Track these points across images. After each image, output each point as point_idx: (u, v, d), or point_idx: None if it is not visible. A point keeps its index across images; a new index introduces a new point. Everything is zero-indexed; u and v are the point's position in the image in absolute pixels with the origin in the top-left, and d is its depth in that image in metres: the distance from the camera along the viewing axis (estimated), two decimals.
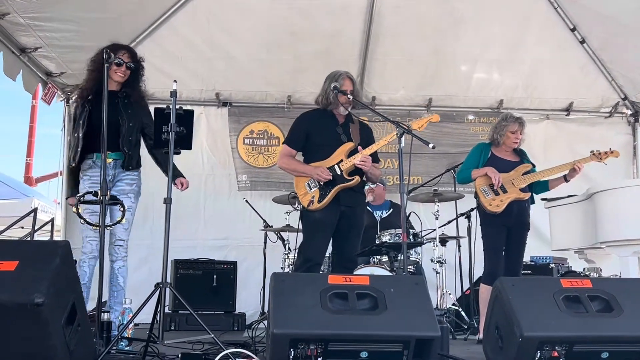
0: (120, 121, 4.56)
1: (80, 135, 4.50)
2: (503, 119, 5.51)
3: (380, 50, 7.65)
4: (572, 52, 7.63)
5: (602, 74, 7.87)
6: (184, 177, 4.78)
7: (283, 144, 4.84)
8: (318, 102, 4.74)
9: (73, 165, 4.55)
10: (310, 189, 4.58)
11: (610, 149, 5.45)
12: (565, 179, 5.39)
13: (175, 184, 4.66)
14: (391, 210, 7.04)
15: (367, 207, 7.08)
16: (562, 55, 7.68)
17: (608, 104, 8.29)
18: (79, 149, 4.51)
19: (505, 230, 5.26)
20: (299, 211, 4.86)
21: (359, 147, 4.60)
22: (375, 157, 4.74)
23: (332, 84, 4.60)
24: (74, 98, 4.81)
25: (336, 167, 4.56)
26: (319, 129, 4.68)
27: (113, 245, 4.57)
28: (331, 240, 4.72)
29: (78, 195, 4.21)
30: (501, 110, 7.98)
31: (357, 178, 4.55)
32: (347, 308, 3.13)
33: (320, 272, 4.86)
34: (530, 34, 7.52)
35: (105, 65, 4.02)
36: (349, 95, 4.51)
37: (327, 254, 5.15)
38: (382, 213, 7.00)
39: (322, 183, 4.54)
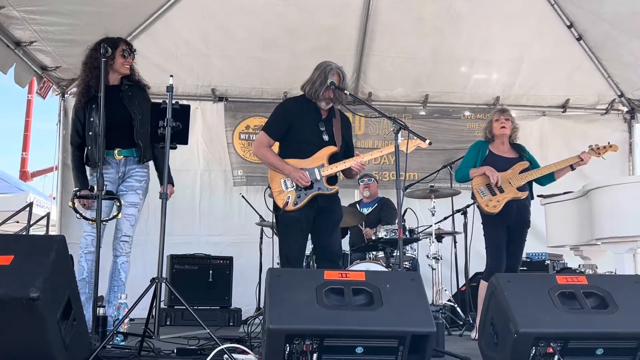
0: (132, 116, 4.53)
1: (102, 134, 4.41)
2: (489, 116, 5.63)
3: (377, 47, 7.65)
4: (568, 49, 7.64)
5: (598, 70, 7.89)
6: (172, 184, 4.70)
7: (262, 130, 4.67)
8: (304, 90, 4.60)
9: (99, 165, 4.36)
10: (287, 188, 4.46)
11: (609, 143, 5.43)
12: (572, 167, 5.36)
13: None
14: (375, 205, 7.05)
15: (357, 205, 7.12)
16: (559, 52, 7.69)
17: (604, 100, 8.32)
18: (101, 149, 4.41)
19: (506, 228, 5.24)
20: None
21: (356, 153, 4.55)
22: (352, 152, 4.70)
23: (329, 80, 4.52)
24: (75, 95, 4.72)
25: (316, 171, 4.44)
26: (301, 121, 4.53)
27: (118, 241, 4.53)
28: (311, 238, 4.68)
29: (74, 189, 4.21)
30: (497, 107, 7.99)
31: (336, 188, 4.48)
32: (343, 304, 3.12)
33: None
34: (527, 30, 7.52)
35: (103, 60, 3.99)
36: (347, 92, 4.45)
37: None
38: (367, 209, 7.01)
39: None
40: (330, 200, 4.53)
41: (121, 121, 4.48)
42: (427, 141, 4.12)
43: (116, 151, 4.50)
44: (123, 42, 4.65)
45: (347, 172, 4.64)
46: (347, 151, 4.66)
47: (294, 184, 4.43)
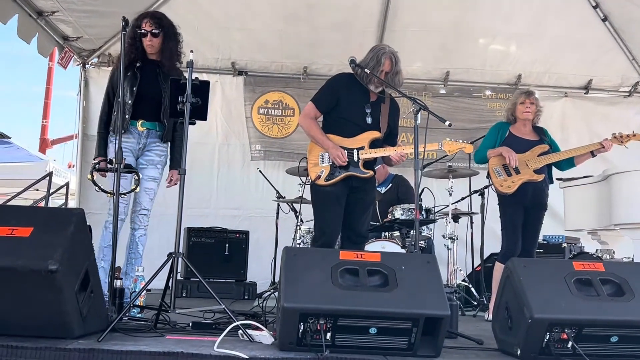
0: (163, 93, 4.52)
1: (130, 102, 4.41)
2: (513, 97, 5.56)
3: (398, 22, 7.56)
4: (593, 30, 7.52)
5: (622, 52, 7.76)
6: (180, 168, 4.69)
7: (311, 101, 4.66)
8: (355, 71, 4.54)
9: (123, 132, 4.33)
10: (323, 162, 4.49)
11: (633, 132, 5.30)
12: (592, 153, 5.27)
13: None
14: (390, 185, 7.03)
15: None
16: (583, 32, 7.56)
17: (628, 83, 8.19)
18: (127, 117, 4.41)
19: (522, 210, 5.20)
20: (308, 185, 4.76)
21: (399, 145, 4.57)
22: (394, 140, 4.72)
23: (350, 57, 4.50)
24: (114, 62, 4.69)
25: (355, 152, 4.45)
26: (349, 99, 4.52)
27: (137, 214, 4.55)
28: None
29: (93, 162, 4.24)
30: (519, 86, 7.92)
31: (371, 173, 4.50)
32: (358, 284, 3.13)
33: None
34: (551, 9, 7.39)
35: (123, 33, 3.99)
36: (366, 70, 4.39)
37: None
38: (381, 189, 7.00)
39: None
40: (364, 182, 4.54)
41: (151, 95, 4.50)
42: (447, 123, 4.08)
43: (139, 122, 4.51)
44: (144, 21, 4.51)
45: (386, 160, 4.65)
46: (389, 138, 4.66)
47: (331, 160, 4.45)
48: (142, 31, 4.46)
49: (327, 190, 4.46)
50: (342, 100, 4.52)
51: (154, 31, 4.49)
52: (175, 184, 4.70)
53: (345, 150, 4.43)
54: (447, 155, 6.89)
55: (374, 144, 4.51)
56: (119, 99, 4.34)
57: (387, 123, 4.61)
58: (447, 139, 4.58)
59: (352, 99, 4.52)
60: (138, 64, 4.44)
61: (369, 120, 4.52)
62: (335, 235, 4.56)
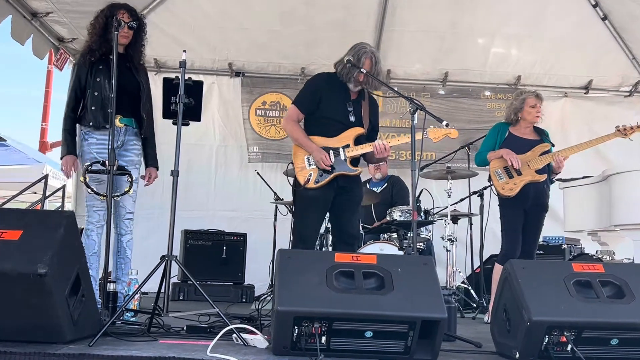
0: (140, 86, 4.44)
1: (113, 95, 4.13)
2: (519, 95, 5.37)
3: (397, 22, 7.53)
4: (593, 29, 7.47)
5: (623, 52, 7.71)
6: (157, 167, 4.63)
7: (292, 104, 4.60)
8: (336, 69, 4.49)
9: (107, 127, 4.17)
10: (309, 165, 4.39)
11: (637, 123, 5.17)
12: None
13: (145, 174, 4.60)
14: (385, 185, 6.98)
15: (366, 184, 7.04)
16: (583, 32, 7.52)
17: (628, 82, 8.14)
18: (110, 111, 4.14)
19: (523, 211, 5.12)
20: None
21: (383, 140, 4.49)
22: (376, 136, 4.65)
23: (346, 57, 4.45)
24: (79, 55, 4.57)
25: (341, 150, 4.39)
26: (330, 98, 4.46)
27: (123, 219, 4.45)
28: (329, 217, 4.63)
29: (86, 164, 4.17)
30: (518, 87, 7.87)
31: (360, 170, 4.45)
32: (353, 287, 3.08)
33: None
34: (550, 8, 7.36)
35: (115, 33, 3.92)
36: (362, 70, 4.34)
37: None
38: (377, 188, 6.95)
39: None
40: (351, 180, 4.47)
41: (129, 89, 4.38)
42: (444, 123, 4.03)
43: (118, 118, 4.35)
44: (121, 11, 4.37)
45: (369, 156, 4.58)
46: (371, 134, 4.61)
47: None
48: (118, 21, 4.29)
49: (312, 194, 4.36)
50: (323, 99, 4.46)
51: (131, 23, 4.38)
52: (153, 182, 4.65)
53: (331, 151, 4.36)
54: (446, 156, 6.92)
55: (358, 141, 4.45)
56: (96, 93, 4.25)
57: (369, 120, 4.56)
58: (432, 126, 4.42)
59: (334, 98, 4.46)
60: (110, 57, 4.20)
61: (352, 118, 4.47)
62: (313, 242, 4.48)
